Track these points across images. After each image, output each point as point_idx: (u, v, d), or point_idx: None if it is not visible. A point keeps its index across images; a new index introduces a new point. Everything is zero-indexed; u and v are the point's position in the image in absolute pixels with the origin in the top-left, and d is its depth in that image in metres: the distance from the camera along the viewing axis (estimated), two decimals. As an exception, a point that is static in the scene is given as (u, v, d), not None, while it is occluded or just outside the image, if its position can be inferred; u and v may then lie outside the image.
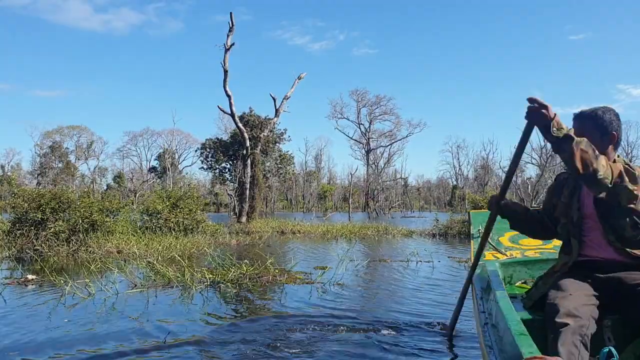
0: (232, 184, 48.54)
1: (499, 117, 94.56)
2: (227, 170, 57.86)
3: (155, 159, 74.29)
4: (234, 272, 6.61)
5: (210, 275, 6.46)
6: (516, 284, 2.83)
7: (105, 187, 68.99)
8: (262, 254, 10.44)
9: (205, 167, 61.17)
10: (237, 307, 5.05)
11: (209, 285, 6.14)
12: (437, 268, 8.47)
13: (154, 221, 13.62)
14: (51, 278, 6.38)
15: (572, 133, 1.91)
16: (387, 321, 4.36)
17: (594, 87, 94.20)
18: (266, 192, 69.55)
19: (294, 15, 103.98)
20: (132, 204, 16.16)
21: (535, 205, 37.00)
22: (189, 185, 16.11)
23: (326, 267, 7.96)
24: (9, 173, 67.40)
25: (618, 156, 2.16)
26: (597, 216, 2.10)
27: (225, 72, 22.87)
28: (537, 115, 1.94)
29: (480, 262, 2.84)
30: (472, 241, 3.57)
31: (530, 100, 1.97)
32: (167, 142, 73.10)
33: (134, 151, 75.07)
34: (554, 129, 1.91)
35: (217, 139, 58.09)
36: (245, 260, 7.51)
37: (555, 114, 1.92)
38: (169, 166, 59.92)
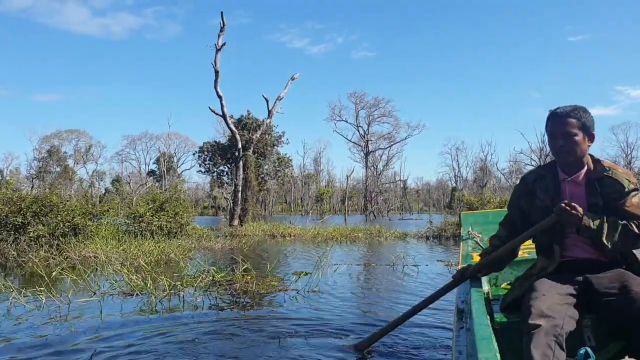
0: (229, 187, 48.19)
1: (498, 118, 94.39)
2: (225, 173, 57.49)
3: (154, 163, 74.07)
4: (202, 279, 6.22)
5: (178, 283, 6.06)
6: (502, 286, 2.78)
7: (103, 191, 68.67)
8: (244, 258, 10.07)
9: (203, 170, 60.88)
10: (191, 318, 4.64)
11: (174, 294, 5.73)
12: (422, 272, 8.07)
13: (135, 225, 13.23)
14: (9, 285, 5.98)
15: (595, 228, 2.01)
16: (346, 329, 4.00)
17: (592, 88, 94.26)
18: (264, 195, 69.33)
19: (292, 18, 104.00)
20: (118, 207, 15.66)
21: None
22: (175, 187, 15.66)
23: (306, 272, 7.56)
24: (7, 177, 67.12)
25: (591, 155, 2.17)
26: None
27: (216, 72, 22.52)
28: (573, 219, 2.02)
29: (465, 265, 2.68)
30: (461, 243, 3.50)
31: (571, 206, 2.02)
32: (165, 146, 72.89)
33: (133, 155, 74.87)
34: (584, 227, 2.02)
35: (215, 142, 57.72)
36: (215, 267, 7.10)
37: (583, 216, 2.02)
38: (165, 170, 59.54)
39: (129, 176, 70.50)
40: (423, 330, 3.91)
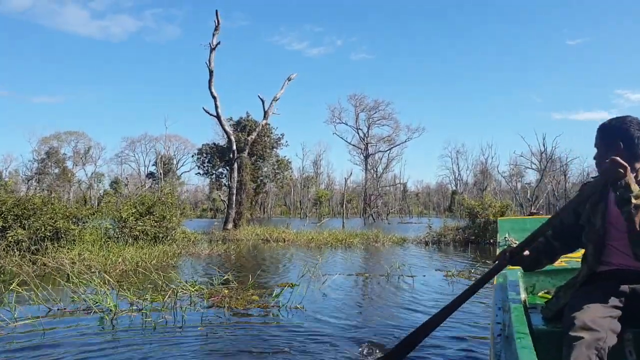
0: (228, 189, 47.58)
1: (498, 121, 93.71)
2: (223, 175, 56.90)
3: (153, 165, 73.51)
4: (173, 292, 5.59)
5: (145, 298, 5.44)
6: (539, 294, 2.72)
7: (102, 193, 68.15)
8: (229, 266, 9.51)
9: (201, 172, 60.41)
10: (141, 343, 4.01)
11: (135, 311, 5.10)
12: (419, 284, 7.44)
13: (117, 230, 12.62)
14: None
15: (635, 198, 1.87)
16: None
17: (592, 92, 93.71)
18: (263, 197, 68.72)
19: (291, 21, 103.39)
20: (105, 210, 15.01)
21: (534, 210, 36.20)
22: (161, 190, 15.04)
23: (292, 284, 6.93)
24: (6, 179, 66.64)
25: None
26: (623, 225, 1.95)
27: (211, 72, 21.95)
28: (615, 174, 1.90)
29: (502, 271, 2.57)
30: (497, 249, 3.34)
31: (613, 161, 1.90)
32: (165, 148, 72.47)
33: (132, 157, 74.41)
34: (621, 189, 1.90)
35: (214, 144, 57.18)
36: (193, 278, 6.47)
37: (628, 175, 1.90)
38: (161, 172, 59.02)
39: (126, 178, 69.94)
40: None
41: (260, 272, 8.76)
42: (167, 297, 5.47)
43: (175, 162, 75.57)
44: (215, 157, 55.18)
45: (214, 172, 57.48)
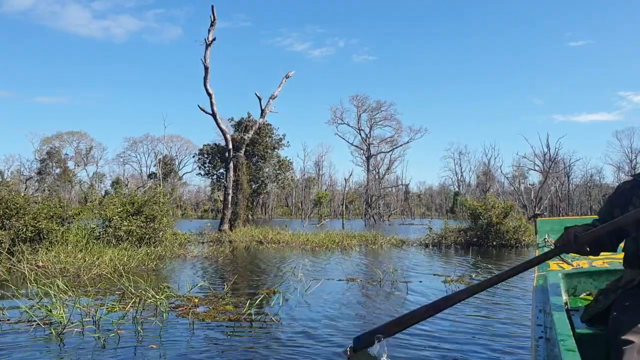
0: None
1: (501, 123, 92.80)
2: (224, 175, 56.42)
3: (155, 165, 73.18)
4: (136, 302, 5.02)
5: (109, 307, 4.87)
6: (581, 296, 2.70)
7: (103, 193, 67.85)
8: (211, 271, 8.94)
9: (202, 173, 60.00)
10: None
11: (93, 324, 4.52)
12: (413, 291, 6.84)
13: (100, 230, 12.06)
14: None
15: None
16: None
17: (595, 94, 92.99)
18: (265, 198, 68.20)
19: (293, 23, 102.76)
20: (93, 210, 14.45)
21: (539, 212, 35.44)
22: (152, 189, 14.46)
23: (275, 290, 6.34)
24: (8, 179, 66.38)
25: None
26: None
27: (206, 68, 21.39)
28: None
29: (543, 273, 2.73)
30: (537, 251, 3.38)
31: None
32: (167, 148, 72.16)
33: (134, 157, 74.14)
34: None
35: (215, 144, 56.70)
36: (169, 284, 5.90)
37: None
38: (160, 173, 58.64)
39: (127, 178, 69.60)
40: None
41: (244, 277, 8.19)
42: (128, 306, 4.88)
43: (177, 162, 75.27)
44: (216, 157, 54.74)
45: (214, 172, 57.04)
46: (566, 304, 2.38)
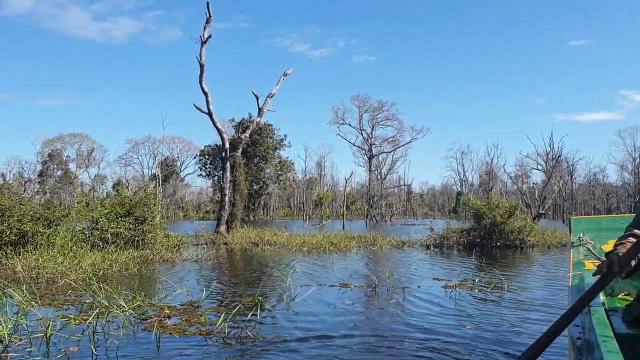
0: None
1: (502, 121, 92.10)
2: (222, 176, 55.99)
3: (156, 167, 72.83)
4: (102, 312, 4.50)
5: (66, 319, 4.36)
6: (618, 297, 2.64)
7: (105, 195, 67.53)
8: (197, 276, 8.42)
9: (204, 174, 59.61)
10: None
11: (45, 337, 4.01)
12: (409, 299, 6.30)
13: (86, 232, 11.56)
14: None
15: None
16: None
17: (596, 93, 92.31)
18: (266, 199, 67.69)
19: (293, 23, 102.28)
20: (82, 211, 13.99)
21: (543, 211, 34.86)
22: (144, 190, 14.00)
23: (258, 298, 5.81)
24: (10, 181, 66.10)
25: None
26: None
27: (202, 66, 20.88)
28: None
29: (578, 272, 2.70)
30: (571, 250, 3.38)
31: None
32: (169, 150, 71.80)
33: (136, 159, 73.81)
34: None
35: (216, 145, 56.27)
36: (141, 293, 5.39)
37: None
38: (159, 174, 58.26)
39: (127, 180, 69.24)
40: None
41: (229, 282, 7.68)
42: (90, 319, 4.37)
43: (178, 164, 74.89)
44: (217, 158, 54.31)
45: (216, 173, 56.68)
46: (604, 304, 2.32)
